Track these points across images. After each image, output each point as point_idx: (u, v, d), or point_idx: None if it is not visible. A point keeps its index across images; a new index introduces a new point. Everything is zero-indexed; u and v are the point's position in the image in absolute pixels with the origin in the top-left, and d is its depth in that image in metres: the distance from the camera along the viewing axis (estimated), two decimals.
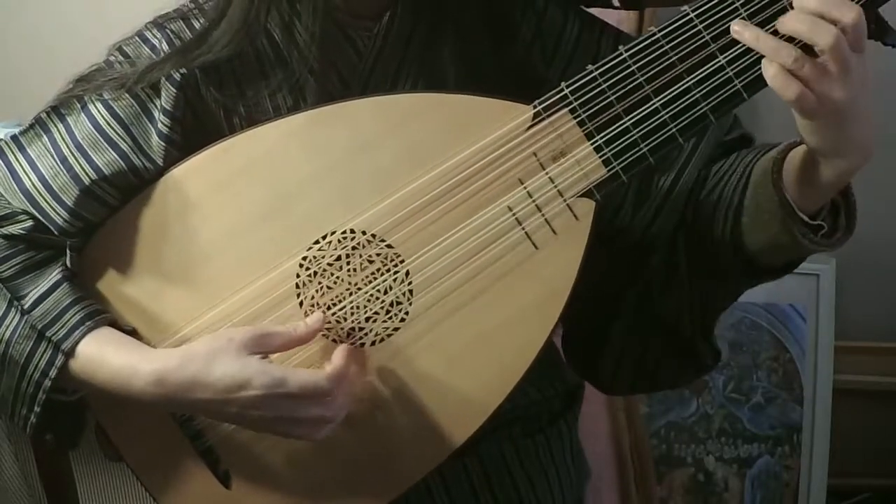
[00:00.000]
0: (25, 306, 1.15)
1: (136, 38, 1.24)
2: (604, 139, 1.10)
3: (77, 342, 1.14)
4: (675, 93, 1.08)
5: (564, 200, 1.12)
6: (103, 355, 1.14)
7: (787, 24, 1.01)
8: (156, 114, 1.20)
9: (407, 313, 1.14)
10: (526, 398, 1.29)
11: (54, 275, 1.17)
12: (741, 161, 1.18)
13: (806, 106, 1.01)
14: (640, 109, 1.09)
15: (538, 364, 1.15)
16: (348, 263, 1.14)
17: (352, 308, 1.15)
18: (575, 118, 1.10)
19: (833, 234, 1.11)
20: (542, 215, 1.12)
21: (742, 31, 1.02)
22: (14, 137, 1.23)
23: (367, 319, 1.15)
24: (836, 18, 0.99)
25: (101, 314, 1.16)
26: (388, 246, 1.14)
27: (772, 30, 1.03)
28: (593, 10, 1.31)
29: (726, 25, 1.05)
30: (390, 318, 1.14)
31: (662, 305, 1.22)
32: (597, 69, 1.09)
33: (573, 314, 1.23)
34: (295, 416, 1.10)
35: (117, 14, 1.42)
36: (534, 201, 1.12)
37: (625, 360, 1.27)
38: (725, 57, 1.06)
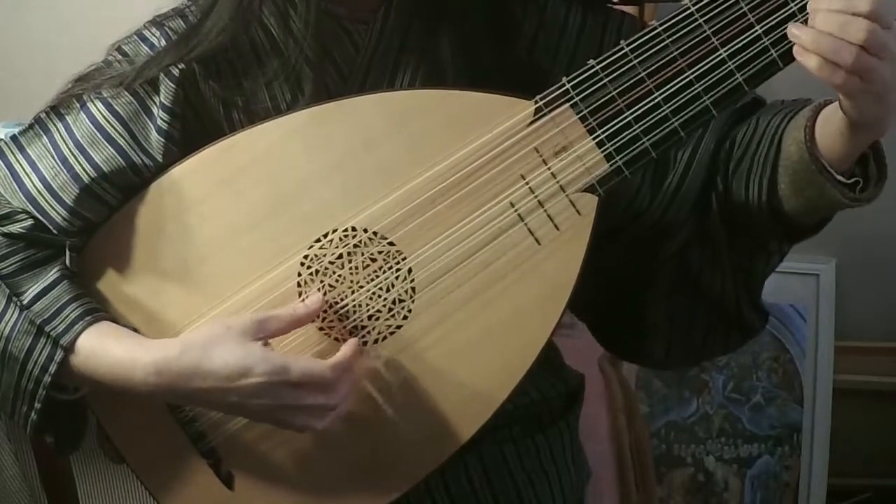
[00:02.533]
0: (24, 302, 1.15)
1: (135, 37, 1.24)
2: (606, 134, 1.10)
3: (76, 337, 1.13)
4: (676, 87, 1.08)
5: (567, 196, 1.12)
6: (104, 348, 1.13)
7: (818, 26, 1.01)
8: (155, 110, 1.20)
9: (410, 311, 1.14)
10: (527, 398, 1.29)
11: (53, 273, 1.16)
12: (767, 128, 1.17)
13: (852, 89, 1.02)
14: (642, 104, 1.09)
15: (540, 363, 1.15)
16: (350, 261, 1.14)
17: (354, 306, 1.14)
18: (577, 113, 1.10)
19: (866, 185, 1.11)
20: (545, 211, 1.12)
21: (800, 34, 1.02)
22: (14, 138, 1.23)
23: (369, 317, 1.14)
24: (853, 7, 0.99)
25: (99, 311, 1.16)
26: (390, 243, 1.14)
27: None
28: None
29: (727, 19, 1.06)
30: (393, 315, 1.14)
31: (704, 278, 1.22)
32: (598, 64, 1.09)
33: (607, 305, 1.23)
34: (296, 405, 1.09)
35: (117, 14, 1.42)
36: (536, 197, 1.12)
37: (674, 338, 1.27)
38: (727, 51, 1.06)
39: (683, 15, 1.07)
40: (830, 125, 1.08)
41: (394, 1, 1.21)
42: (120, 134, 1.19)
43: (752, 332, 1.27)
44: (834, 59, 1.00)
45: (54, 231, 1.18)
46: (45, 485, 1.50)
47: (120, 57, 1.23)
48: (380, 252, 1.14)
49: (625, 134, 1.10)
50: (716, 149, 1.21)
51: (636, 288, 1.26)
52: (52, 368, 1.14)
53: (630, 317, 1.28)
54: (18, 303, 1.15)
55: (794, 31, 1.03)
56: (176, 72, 1.19)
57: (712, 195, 1.21)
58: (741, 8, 1.05)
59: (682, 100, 1.08)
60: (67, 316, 1.14)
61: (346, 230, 1.14)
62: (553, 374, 1.34)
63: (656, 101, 1.08)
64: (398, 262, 1.14)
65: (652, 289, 1.25)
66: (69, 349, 1.13)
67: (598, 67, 1.09)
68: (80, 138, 1.19)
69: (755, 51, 1.05)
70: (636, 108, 1.09)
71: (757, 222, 1.18)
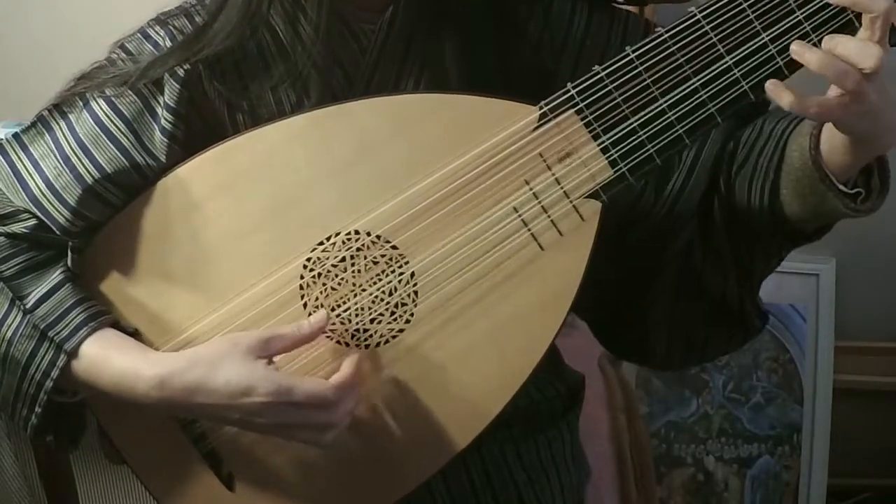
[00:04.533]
0: (27, 306, 1.14)
1: (139, 34, 1.24)
2: (611, 140, 1.10)
3: (80, 343, 1.13)
4: (682, 94, 1.07)
5: (571, 202, 1.11)
6: (107, 358, 1.13)
7: (834, 48, 1.02)
8: (159, 110, 1.19)
9: (412, 315, 1.14)
10: (527, 398, 1.29)
11: (56, 275, 1.16)
12: (773, 132, 1.17)
13: (828, 118, 1.04)
14: (647, 110, 1.08)
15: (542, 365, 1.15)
16: (353, 265, 1.14)
17: (356, 309, 1.14)
18: (581, 119, 1.10)
19: (868, 196, 1.11)
20: (549, 216, 1.12)
21: (802, 52, 1.03)
22: (16, 136, 1.22)
23: (371, 321, 1.14)
24: (870, 8, 1.00)
25: (103, 315, 1.15)
26: (393, 247, 1.13)
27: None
28: None
29: (734, 27, 1.05)
30: (395, 319, 1.14)
31: (707, 278, 1.22)
32: (603, 70, 1.09)
33: (611, 306, 1.23)
34: (299, 423, 1.10)
35: (118, 14, 1.42)
36: (540, 202, 1.12)
37: (675, 337, 1.27)
38: (732, 58, 1.06)
39: (689, 21, 1.06)
40: (834, 135, 1.08)
41: (401, 1, 1.20)
42: (123, 134, 1.18)
43: (754, 331, 1.28)
44: (839, 83, 1.01)
45: (57, 232, 1.18)
46: (45, 485, 1.50)
47: (123, 55, 1.22)
48: (382, 255, 1.14)
49: (629, 140, 1.09)
50: (720, 150, 1.21)
51: (640, 288, 1.25)
52: (55, 373, 1.13)
53: (633, 317, 1.28)
54: (22, 306, 1.14)
55: (795, 48, 1.04)
56: (181, 72, 1.18)
57: (714, 196, 1.21)
58: (748, 16, 1.04)
59: (688, 107, 1.08)
60: (72, 321, 1.13)
61: (349, 233, 1.13)
62: (553, 373, 1.34)
63: (661, 107, 1.08)
64: (401, 266, 1.14)
65: (655, 289, 1.25)
66: (73, 354, 1.13)
67: (603, 73, 1.09)
68: (82, 137, 1.19)
69: (761, 59, 1.05)
70: (641, 114, 1.08)
71: (758, 225, 1.18)
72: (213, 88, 1.21)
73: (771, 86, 1.03)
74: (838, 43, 1.02)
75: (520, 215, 1.12)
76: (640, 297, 1.26)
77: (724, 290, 1.23)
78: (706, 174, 1.21)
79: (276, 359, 1.13)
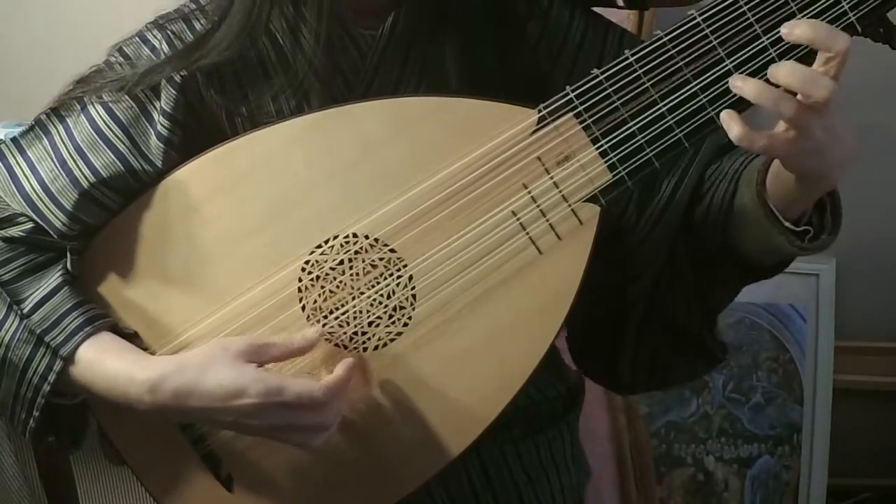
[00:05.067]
0: (25, 310, 1.14)
1: (137, 38, 1.23)
2: (609, 144, 1.09)
3: (75, 348, 1.13)
4: (680, 97, 1.07)
5: (569, 205, 1.11)
6: (102, 362, 1.13)
7: (779, 75, 1.00)
8: (155, 116, 1.19)
9: (410, 318, 1.14)
10: (527, 399, 1.29)
11: (54, 278, 1.16)
12: (730, 168, 1.18)
13: (775, 153, 1.03)
14: (646, 114, 1.08)
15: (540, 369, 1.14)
16: (351, 268, 1.14)
17: (354, 313, 1.14)
18: (580, 122, 1.10)
19: (819, 234, 1.11)
20: (547, 220, 1.12)
21: (743, 86, 1.02)
22: (14, 139, 1.22)
23: (369, 324, 1.14)
24: (829, 48, 0.99)
25: (100, 319, 1.15)
26: (391, 250, 1.13)
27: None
28: (597, 10, 1.30)
29: (733, 30, 1.05)
30: (393, 322, 1.14)
31: (671, 305, 1.23)
32: (602, 73, 1.09)
33: (585, 324, 1.23)
34: (290, 425, 1.10)
35: (118, 14, 1.42)
36: (538, 206, 1.11)
37: (639, 362, 1.27)
38: (732, 62, 1.06)
39: (689, 25, 1.06)
40: (781, 171, 1.08)
41: (402, 7, 1.20)
42: (120, 139, 1.18)
43: (715, 361, 1.28)
44: (776, 110, 1.00)
45: (54, 235, 1.18)
46: (45, 485, 1.50)
47: (121, 59, 1.22)
48: (381, 259, 1.13)
49: (628, 144, 1.09)
50: (699, 180, 1.21)
51: (618, 312, 1.26)
52: (51, 378, 1.13)
53: (611, 338, 1.28)
54: (19, 311, 1.15)
55: (737, 83, 1.02)
56: (178, 78, 1.18)
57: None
58: (748, 19, 1.04)
59: (687, 110, 1.07)
60: (67, 326, 1.13)
61: (347, 236, 1.13)
62: (553, 373, 1.34)
63: (660, 111, 1.08)
64: (399, 270, 1.13)
65: (631, 314, 1.25)
66: (68, 360, 1.13)
67: (602, 77, 1.08)
68: (79, 142, 1.19)
69: (761, 62, 1.04)
70: (640, 118, 1.08)
71: (716, 256, 1.19)
72: (211, 96, 1.21)
73: (725, 115, 1.02)
74: (782, 70, 1.00)
75: (518, 219, 1.12)
76: (617, 322, 1.26)
77: (686, 318, 1.23)
78: (686, 199, 1.21)
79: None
